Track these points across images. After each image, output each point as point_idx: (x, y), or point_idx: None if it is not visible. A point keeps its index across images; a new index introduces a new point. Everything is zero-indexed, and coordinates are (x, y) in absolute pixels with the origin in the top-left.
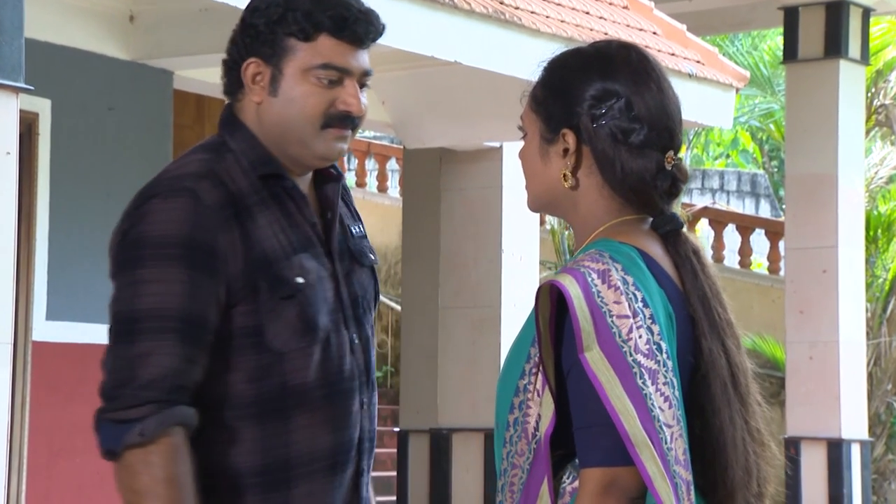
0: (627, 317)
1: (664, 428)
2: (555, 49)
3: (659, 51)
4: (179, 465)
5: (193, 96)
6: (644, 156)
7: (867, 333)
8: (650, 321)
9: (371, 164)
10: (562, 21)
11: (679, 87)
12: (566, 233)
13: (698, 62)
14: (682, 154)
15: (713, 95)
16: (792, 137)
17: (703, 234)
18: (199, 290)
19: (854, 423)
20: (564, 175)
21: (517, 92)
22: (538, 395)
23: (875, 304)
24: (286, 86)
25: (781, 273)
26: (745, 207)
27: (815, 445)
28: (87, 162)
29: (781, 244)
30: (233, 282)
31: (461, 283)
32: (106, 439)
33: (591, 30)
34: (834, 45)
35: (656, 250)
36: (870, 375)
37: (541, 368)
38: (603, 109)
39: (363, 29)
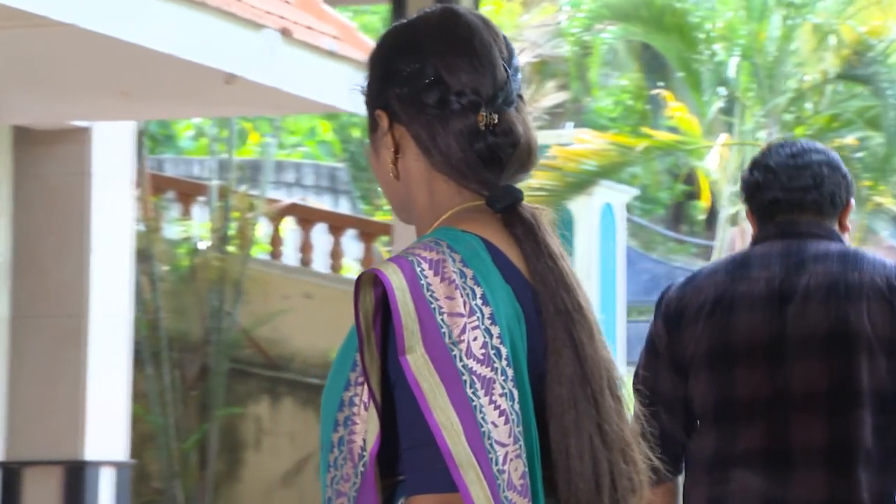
0: (461, 315)
1: (495, 447)
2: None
3: (296, 23)
4: None
5: None
6: (456, 122)
7: None
8: (489, 321)
9: None
10: None
11: (316, 66)
12: None
13: (336, 38)
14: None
15: (353, 77)
16: None
17: (289, 235)
18: None
19: None
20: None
21: (131, 62)
22: (365, 408)
23: None
24: None
25: None
26: (325, 204)
27: None
28: None
29: (375, 246)
30: None
31: (38, 287)
32: None
33: None
34: None
35: (501, 238)
36: None
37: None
38: (407, 80)
39: None
